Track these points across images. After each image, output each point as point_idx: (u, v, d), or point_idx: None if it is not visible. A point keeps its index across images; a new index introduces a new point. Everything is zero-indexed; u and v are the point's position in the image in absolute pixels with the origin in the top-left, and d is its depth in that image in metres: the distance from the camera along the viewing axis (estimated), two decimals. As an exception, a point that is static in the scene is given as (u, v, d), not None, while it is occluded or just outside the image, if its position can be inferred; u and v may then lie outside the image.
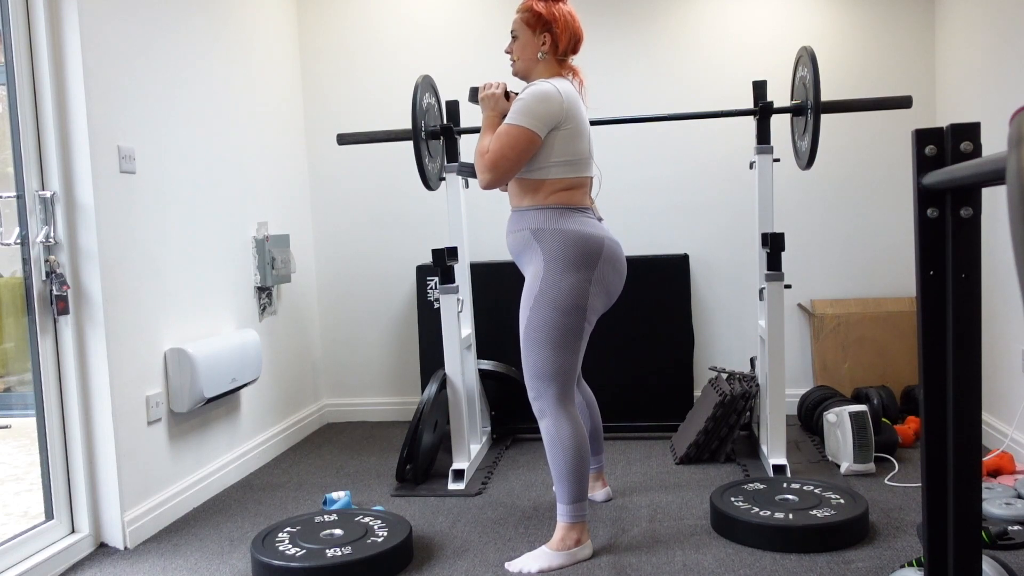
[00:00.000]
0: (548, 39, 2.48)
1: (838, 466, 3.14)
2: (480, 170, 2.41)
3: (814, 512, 2.49)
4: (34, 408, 2.55)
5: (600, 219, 2.49)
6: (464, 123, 3.37)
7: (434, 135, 3.22)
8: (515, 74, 2.57)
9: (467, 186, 3.36)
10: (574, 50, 2.55)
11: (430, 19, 4.18)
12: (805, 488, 2.70)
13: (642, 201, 4.09)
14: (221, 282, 3.35)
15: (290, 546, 2.36)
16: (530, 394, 2.42)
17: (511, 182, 2.49)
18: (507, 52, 2.55)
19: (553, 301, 2.32)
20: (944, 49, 3.83)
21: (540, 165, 2.39)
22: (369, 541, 2.38)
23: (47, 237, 2.49)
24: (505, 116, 2.42)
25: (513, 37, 2.53)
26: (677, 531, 2.59)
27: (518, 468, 3.32)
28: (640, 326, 3.84)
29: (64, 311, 2.52)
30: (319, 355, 4.34)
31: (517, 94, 2.46)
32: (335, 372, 4.37)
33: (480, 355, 3.65)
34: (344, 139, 3.30)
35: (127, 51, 2.78)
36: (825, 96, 3.07)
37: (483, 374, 3.59)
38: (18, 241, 2.48)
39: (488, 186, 2.40)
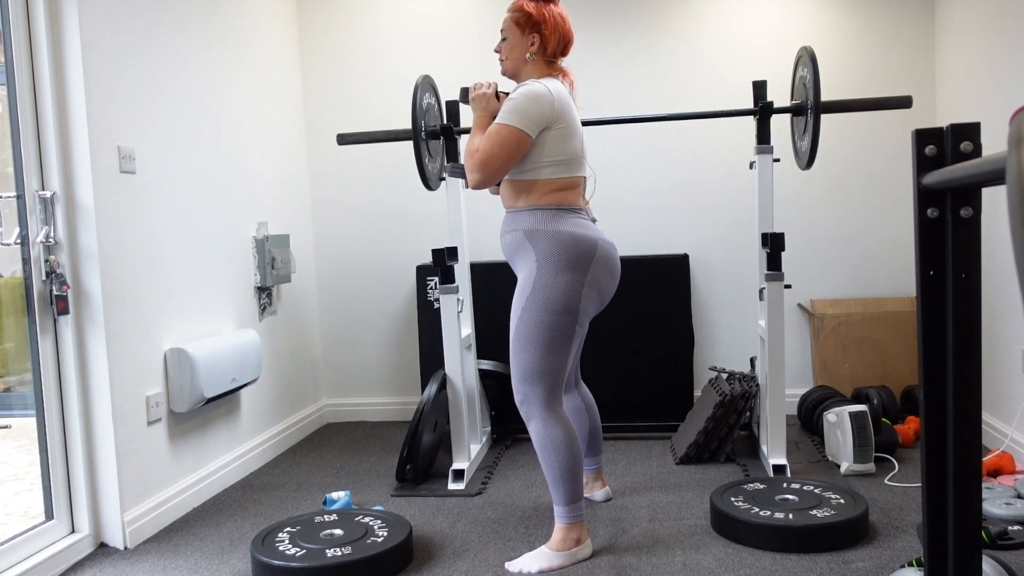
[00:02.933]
0: (537, 40, 2.47)
1: (838, 466, 3.14)
2: (469, 169, 2.40)
3: (814, 512, 2.49)
4: (34, 408, 2.55)
5: (594, 220, 2.49)
6: (464, 123, 3.37)
7: (434, 135, 3.22)
8: (503, 73, 2.56)
9: (467, 186, 3.36)
10: (563, 52, 2.53)
11: (430, 19, 4.18)
12: (805, 488, 2.70)
13: (642, 201, 4.09)
14: (221, 282, 3.35)
15: (290, 546, 2.36)
16: (517, 397, 2.40)
17: (504, 183, 2.48)
18: (496, 51, 2.55)
19: (545, 302, 2.31)
20: (944, 49, 3.83)
21: (532, 165, 2.39)
22: (369, 541, 2.38)
23: (47, 237, 2.49)
24: (496, 116, 2.42)
25: (503, 37, 2.52)
26: (677, 531, 2.59)
27: (518, 468, 3.32)
28: (640, 326, 3.84)
29: (64, 311, 2.52)
30: (319, 355, 4.34)
31: (508, 94, 2.46)
32: (335, 372, 4.37)
33: (480, 355, 3.65)
34: (344, 139, 3.30)
35: (127, 51, 2.78)
36: (825, 96, 3.07)
37: (483, 374, 3.59)
38: (18, 241, 2.48)
39: (477, 186, 2.39)
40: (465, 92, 2.68)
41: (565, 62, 2.55)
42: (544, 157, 2.38)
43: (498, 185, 2.50)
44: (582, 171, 2.48)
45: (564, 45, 2.51)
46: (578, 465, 2.37)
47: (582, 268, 2.33)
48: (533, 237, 2.37)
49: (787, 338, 3.62)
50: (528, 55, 2.48)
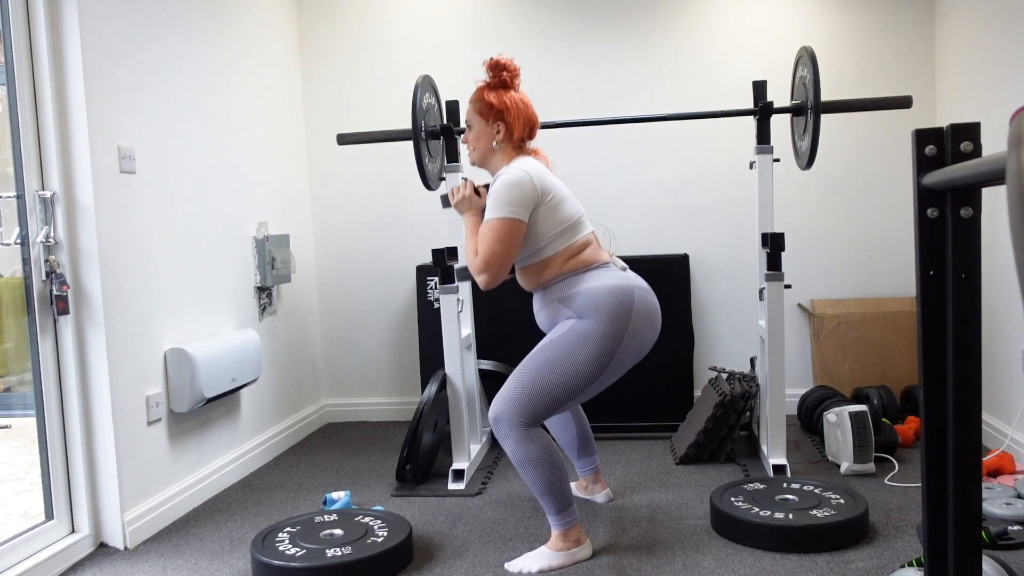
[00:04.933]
0: (503, 128, 2.47)
1: (838, 466, 3.14)
2: (475, 272, 2.37)
3: (814, 512, 2.49)
4: (34, 408, 2.55)
5: (624, 269, 2.46)
6: (464, 123, 3.37)
7: (434, 135, 3.22)
8: (472, 163, 2.57)
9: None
10: (530, 136, 2.53)
11: (430, 19, 4.18)
12: (805, 488, 2.70)
13: (642, 201, 4.09)
14: (221, 282, 3.35)
15: (290, 546, 2.36)
16: (492, 411, 2.32)
17: (518, 273, 2.46)
18: (464, 142, 2.56)
19: (578, 346, 2.28)
20: (944, 49, 3.83)
21: (537, 247, 2.38)
22: (369, 541, 2.38)
23: (47, 237, 2.49)
24: (483, 212, 2.41)
25: (468, 126, 2.53)
26: (677, 531, 2.59)
27: (518, 468, 3.32)
28: (640, 326, 3.84)
29: (64, 311, 2.52)
30: (319, 355, 4.34)
31: (487, 186, 2.45)
32: (335, 372, 4.37)
33: (480, 355, 3.65)
34: (344, 139, 3.30)
35: (127, 51, 2.78)
36: (825, 96, 3.07)
37: (483, 374, 3.59)
38: (18, 241, 2.48)
39: (489, 285, 2.36)
40: (445, 199, 2.69)
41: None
42: (545, 234, 2.37)
43: (512, 274, 2.47)
44: (587, 229, 2.46)
45: (530, 129, 2.52)
46: (561, 475, 2.33)
47: (623, 320, 2.29)
48: (567, 301, 2.35)
49: (787, 338, 3.62)
50: (495, 143, 2.48)
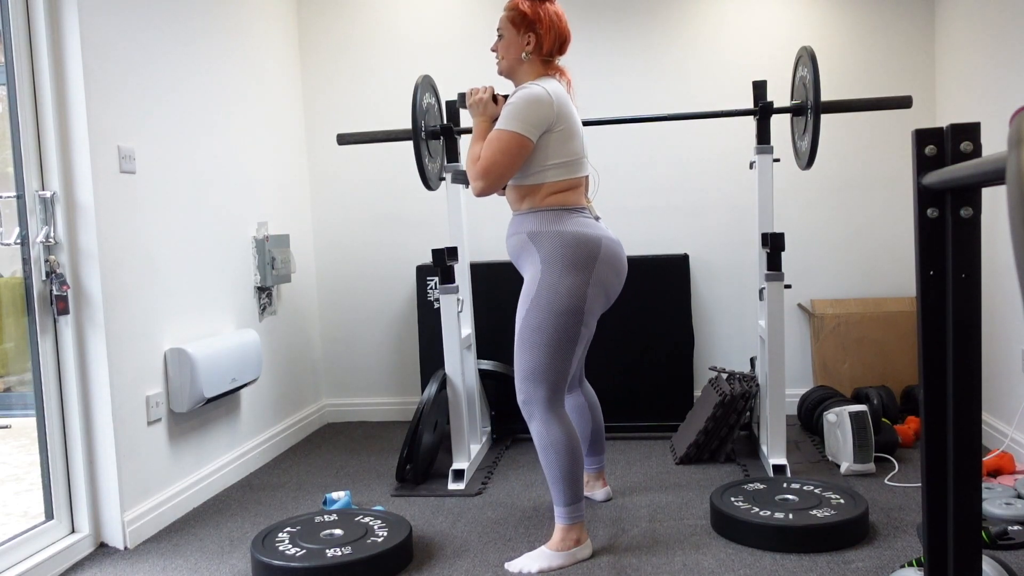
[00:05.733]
0: (533, 39, 2.45)
1: (838, 466, 3.14)
2: (472, 177, 2.38)
3: (814, 512, 2.49)
4: (34, 408, 2.55)
5: (597, 218, 2.48)
6: (464, 123, 3.37)
7: (434, 135, 3.22)
8: (500, 73, 2.55)
9: (467, 186, 3.36)
10: (560, 51, 2.51)
11: (430, 19, 4.18)
12: (805, 488, 2.70)
13: (642, 201, 4.09)
14: (221, 282, 3.35)
15: (290, 546, 2.36)
16: (519, 396, 2.40)
17: (508, 188, 2.47)
18: (492, 50, 2.53)
19: (550, 303, 2.31)
20: (944, 49, 3.83)
21: (535, 169, 2.38)
22: (369, 541, 2.38)
23: (47, 237, 2.49)
24: (495, 120, 2.41)
25: (499, 35, 2.50)
26: (677, 531, 2.59)
27: (518, 468, 3.32)
28: (640, 326, 3.84)
29: (64, 311, 2.52)
30: (319, 355, 4.34)
31: (506, 97, 2.44)
32: (335, 372, 4.37)
33: (480, 355, 3.65)
34: (344, 139, 3.30)
35: (127, 51, 2.78)
36: (825, 96, 3.07)
37: (483, 374, 3.59)
38: (18, 241, 2.48)
39: (481, 193, 2.38)
40: (463, 97, 2.67)
41: (563, 60, 2.54)
42: (547, 160, 2.37)
43: (504, 189, 2.50)
44: (584, 171, 2.48)
45: (561, 44, 2.50)
46: (578, 467, 2.37)
47: (587, 268, 2.32)
48: (536, 239, 2.37)
49: (787, 338, 3.62)
50: (524, 54, 2.46)
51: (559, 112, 2.36)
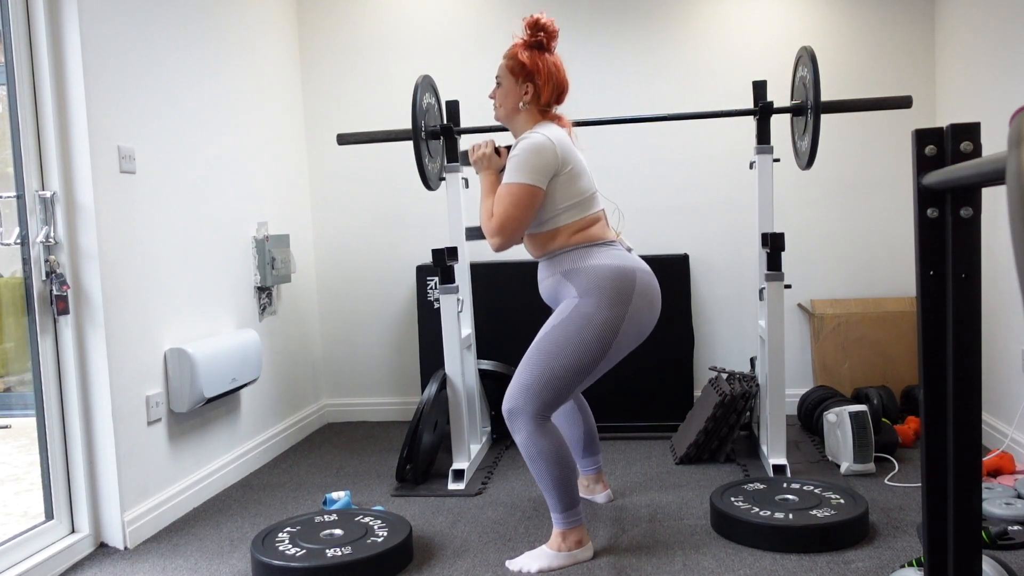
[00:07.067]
0: (531, 89, 2.45)
1: (838, 466, 3.14)
2: (489, 234, 2.38)
3: (814, 512, 2.49)
4: (34, 408, 2.55)
5: (630, 249, 2.46)
6: (464, 123, 3.37)
7: (434, 135, 3.22)
8: (496, 119, 2.56)
9: (467, 186, 3.36)
10: (558, 101, 2.52)
11: (430, 19, 4.18)
12: (805, 488, 2.70)
13: (642, 201, 4.09)
14: (221, 282, 3.35)
15: (290, 546, 2.36)
16: (506, 404, 2.34)
17: (526, 239, 2.46)
18: (491, 97, 2.54)
19: (580, 329, 2.28)
20: (944, 49, 3.83)
21: (548, 215, 2.38)
22: (369, 541, 2.38)
23: (47, 237, 2.49)
24: (501, 172, 2.41)
25: (497, 83, 2.51)
26: (677, 531, 2.59)
27: (518, 468, 3.32)
28: (640, 326, 3.83)
29: (64, 311, 2.52)
30: (319, 355, 4.34)
31: (508, 148, 2.44)
32: (335, 372, 4.37)
33: (480, 355, 3.65)
34: (344, 139, 3.30)
35: (127, 51, 2.78)
36: (825, 96, 3.07)
37: (483, 374, 3.59)
38: (18, 241, 2.48)
39: (499, 248, 2.38)
40: (465, 155, 2.69)
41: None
42: (557, 205, 2.37)
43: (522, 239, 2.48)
44: (598, 206, 2.47)
45: (559, 94, 2.50)
46: (570, 473, 2.34)
47: (624, 302, 2.29)
48: (571, 276, 2.35)
49: (787, 338, 3.62)
50: (521, 104, 2.47)
51: (563, 156, 2.36)
